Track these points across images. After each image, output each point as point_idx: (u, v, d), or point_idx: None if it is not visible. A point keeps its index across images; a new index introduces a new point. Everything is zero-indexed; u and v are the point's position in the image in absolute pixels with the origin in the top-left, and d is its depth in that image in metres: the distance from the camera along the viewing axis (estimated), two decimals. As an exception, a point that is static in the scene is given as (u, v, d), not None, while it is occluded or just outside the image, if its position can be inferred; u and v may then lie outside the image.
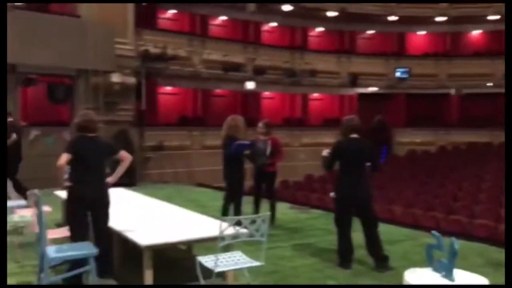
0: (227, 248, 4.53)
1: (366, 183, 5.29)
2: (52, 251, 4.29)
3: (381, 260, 5.19)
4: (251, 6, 17.49)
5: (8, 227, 5.76)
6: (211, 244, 4.07)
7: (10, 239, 6.04)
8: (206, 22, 18.83)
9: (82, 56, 12.27)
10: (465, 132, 19.52)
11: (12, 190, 6.01)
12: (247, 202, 7.88)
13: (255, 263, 4.12)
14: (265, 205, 7.81)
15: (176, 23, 18.40)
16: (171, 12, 18.13)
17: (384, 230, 7.38)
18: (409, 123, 20.95)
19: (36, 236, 4.66)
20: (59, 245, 4.59)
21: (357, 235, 5.40)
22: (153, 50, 14.59)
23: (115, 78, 13.04)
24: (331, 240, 5.98)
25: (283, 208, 9.17)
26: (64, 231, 5.04)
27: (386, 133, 20.28)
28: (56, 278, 4.53)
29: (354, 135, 5.29)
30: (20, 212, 6.04)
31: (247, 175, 7.28)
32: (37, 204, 4.34)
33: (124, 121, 13.44)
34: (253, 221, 3.97)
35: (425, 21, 20.99)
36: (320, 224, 7.79)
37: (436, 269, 3.06)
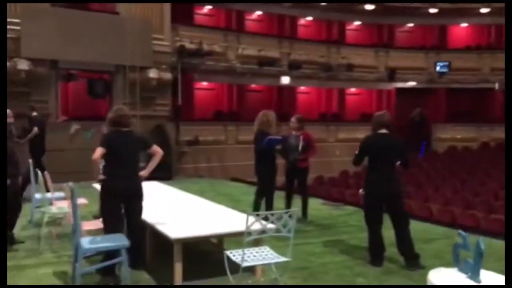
0: (256, 243, 4.55)
1: (395, 179, 5.18)
2: (86, 242, 4.42)
3: (411, 259, 5.09)
4: None
5: (46, 218, 6.00)
6: (242, 238, 4.09)
7: (48, 229, 6.32)
8: (242, 17, 18.87)
9: (121, 52, 12.56)
10: (510, 128, 18.74)
11: (51, 182, 6.22)
12: (279, 198, 7.89)
13: (282, 259, 4.12)
14: (297, 201, 7.79)
15: (212, 19, 18.54)
16: (208, 8, 18.26)
17: (420, 228, 7.27)
18: (449, 118, 20.36)
19: (72, 227, 4.82)
20: (93, 237, 4.73)
21: (389, 233, 5.31)
22: (189, 45, 14.75)
23: (152, 73, 13.29)
24: (363, 237, 5.89)
25: (316, 204, 9.13)
26: (98, 223, 5.18)
27: (426, 127, 19.81)
28: (90, 269, 4.67)
29: (383, 131, 5.19)
30: (58, 204, 6.25)
31: (279, 170, 7.28)
32: (71, 196, 4.47)
33: (160, 116, 13.70)
34: (280, 217, 3.96)
35: (468, 13, 20.27)
36: (353, 221, 7.70)
37: (461, 270, 2.96)
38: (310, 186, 13.91)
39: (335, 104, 20.49)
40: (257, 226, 3.94)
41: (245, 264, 3.89)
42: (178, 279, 4.48)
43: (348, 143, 16.91)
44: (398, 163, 5.24)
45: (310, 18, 20.35)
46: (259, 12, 19.29)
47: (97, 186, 6.34)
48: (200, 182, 12.43)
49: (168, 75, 13.80)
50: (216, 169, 15.08)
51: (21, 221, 7.01)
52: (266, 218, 4.24)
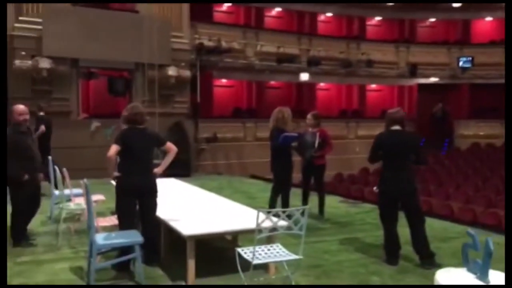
0: (269, 240, 4.54)
1: (408, 177, 5.09)
2: (100, 238, 4.48)
3: (426, 257, 5.00)
4: None
5: (64, 214, 6.10)
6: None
7: (66, 225, 6.43)
8: (261, 14, 18.83)
9: (140, 50, 12.67)
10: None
11: (68, 178, 6.31)
12: (296, 195, 7.86)
13: (294, 257, 4.10)
14: (314, 198, 7.75)
15: (231, 16, 18.55)
16: (227, 5, 18.28)
17: (439, 226, 7.16)
18: (472, 115, 19.96)
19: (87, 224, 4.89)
20: (107, 233, 4.79)
21: (405, 231, 5.23)
22: (207, 43, 14.79)
23: (171, 71, 13.38)
24: (379, 235, 5.81)
25: (333, 202, 9.06)
26: (114, 219, 5.24)
27: (448, 124, 19.47)
28: (105, 264, 4.74)
29: (396, 127, 5.11)
30: (76, 200, 6.35)
31: (295, 167, 7.25)
32: (86, 193, 4.53)
33: (179, 113, 13.78)
34: (291, 214, 3.94)
35: (492, 7, 19.79)
36: (370, 219, 7.61)
37: (470, 270, 2.89)
38: (329, 184, 13.87)
39: (356, 100, 20.31)
40: (268, 223, 3.92)
41: (256, 261, 3.88)
42: (191, 276, 4.50)
43: (368, 140, 16.51)
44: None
45: (330, 14, 20.18)
46: (278, 9, 19.22)
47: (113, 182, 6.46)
48: (218, 179, 12.48)
49: (187, 73, 13.87)
50: (234, 166, 15.11)
51: (40, 217, 7.16)
52: (277, 215, 4.23)
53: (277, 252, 4.16)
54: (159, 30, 12.94)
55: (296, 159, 7.31)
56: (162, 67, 13.24)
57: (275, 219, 3.97)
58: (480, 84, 19.86)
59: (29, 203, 5.71)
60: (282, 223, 4.01)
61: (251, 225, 4.44)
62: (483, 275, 2.77)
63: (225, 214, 5.32)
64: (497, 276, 2.88)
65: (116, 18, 12.87)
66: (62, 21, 11.78)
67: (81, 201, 6.22)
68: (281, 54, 16.60)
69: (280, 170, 6.99)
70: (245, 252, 4.06)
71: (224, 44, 15.22)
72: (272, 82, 18.73)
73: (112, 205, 7.20)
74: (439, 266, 4.87)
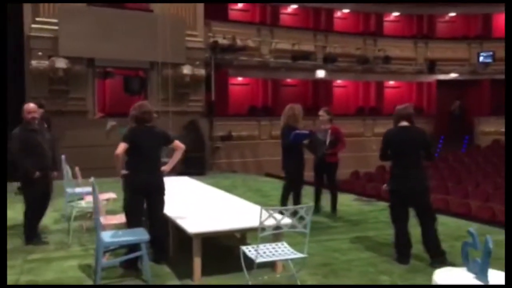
0: (276, 238, 4.50)
1: (419, 174, 4.98)
2: (107, 236, 4.50)
3: (436, 256, 4.88)
4: None
5: (74, 212, 6.16)
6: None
7: (78, 223, 6.49)
8: (277, 12, 18.74)
9: (155, 49, 12.73)
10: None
11: (80, 176, 6.38)
12: (308, 193, 7.80)
13: (299, 255, 4.04)
14: (326, 196, 7.67)
15: (246, 14, 18.51)
16: (241, 3, 18.25)
17: (455, 224, 7.01)
18: (493, 111, 19.51)
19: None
20: (115, 231, 4.81)
21: (417, 229, 5.12)
22: (222, 41, 14.78)
23: (186, 70, 13.41)
24: (392, 233, 5.70)
25: (347, 200, 8.96)
26: (122, 217, 5.25)
27: (467, 120, 19.09)
28: (112, 262, 4.77)
29: (404, 123, 5.01)
30: (88, 198, 6.40)
31: (307, 165, 7.18)
32: (93, 191, 4.55)
33: (194, 111, 13.82)
34: (295, 212, 3.89)
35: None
36: (383, 217, 7.46)
37: (470, 269, 2.79)
38: (345, 181, 13.75)
39: (373, 97, 20.06)
40: (271, 221, 3.87)
41: (259, 259, 3.84)
42: (197, 274, 4.49)
43: (385, 138, 16.48)
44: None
45: (347, 11, 19.98)
46: (294, 6, 19.10)
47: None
48: (233, 177, 12.47)
49: (201, 71, 13.89)
50: (249, 164, 15.09)
51: (54, 215, 7.27)
52: (282, 213, 4.18)
53: (282, 251, 4.11)
54: (173, 29, 12.98)
55: (308, 156, 7.24)
56: (176, 65, 13.28)
57: (279, 217, 3.91)
58: (501, 80, 19.31)
59: (40, 201, 5.78)
60: (286, 221, 3.96)
61: (257, 223, 4.42)
62: (482, 274, 2.67)
63: (233, 212, 5.29)
64: (497, 276, 2.77)
65: (131, 18, 12.96)
66: (78, 21, 11.91)
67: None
68: (296, 51, 16.50)
69: (291, 168, 6.94)
70: (250, 250, 4.02)
71: (238, 42, 15.20)
72: (288, 80, 18.63)
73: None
74: (451, 265, 4.75)
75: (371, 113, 19.11)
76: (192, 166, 12.50)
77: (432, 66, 19.03)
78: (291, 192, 7.01)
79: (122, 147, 4.83)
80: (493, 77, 19.50)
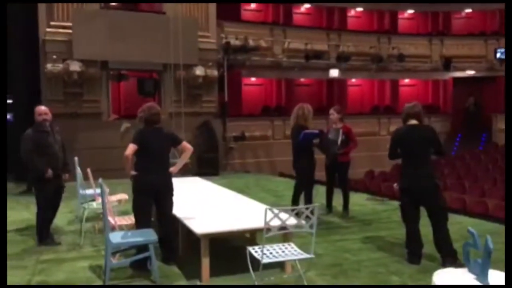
0: (286, 239, 4.47)
1: (429, 172, 4.91)
2: (115, 237, 4.53)
3: (447, 256, 4.80)
4: None
5: (86, 214, 6.22)
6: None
7: (91, 224, 6.56)
8: (290, 11, 18.70)
9: (167, 51, 12.76)
10: None
11: (92, 177, 6.42)
12: (320, 193, 7.75)
13: (306, 256, 4.01)
14: (339, 196, 7.62)
15: (259, 14, 18.51)
16: (254, 3, 18.25)
17: (471, 224, 6.88)
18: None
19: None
20: (124, 232, 4.85)
21: (429, 229, 5.05)
22: (234, 42, 14.78)
23: (198, 71, 13.44)
24: (405, 233, 5.65)
25: (360, 200, 8.90)
26: (132, 218, 5.29)
27: (484, 118, 18.77)
28: (121, 262, 4.81)
29: (413, 122, 4.94)
30: (100, 200, 6.44)
31: (319, 165, 7.14)
32: (101, 193, 4.59)
33: (207, 112, 13.85)
34: (301, 212, 3.86)
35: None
36: (396, 217, 7.33)
37: (471, 270, 2.73)
38: (360, 181, 13.63)
39: (388, 96, 19.87)
40: (276, 221, 3.84)
41: (265, 260, 3.83)
42: (205, 274, 4.49)
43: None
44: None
45: (360, 9, 19.84)
46: (307, 6, 19.03)
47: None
48: (246, 178, 12.47)
49: (214, 72, 13.91)
50: (263, 164, 15.07)
51: (68, 216, 7.36)
52: (297, 214, 4.17)
53: (289, 251, 4.09)
54: (186, 31, 13.00)
55: (320, 156, 7.20)
56: (189, 67, 13.32)
57: (284, 217, 3.88)
58: (520, 76, 19.01)
59: (51, 201, 5.86)
60: (292, 221, 3.93)
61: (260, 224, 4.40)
62: (482, 275, 2.60)
63: (241, 213, 5.28)
64: (498, 277, 2.70)
65: (143, 20, 13.04)
66: (91, 25, 12.04)
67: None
68: (309, 50, 16.41)
69: (302, 167, 6.91)
70: (256, 251, 4.01)
71: (251, 42, 15.18)
72: (302, 79, 18.56)
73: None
74: (462, 265, 4.67)
75: (386, 112, 18.92)
76: (206, 167, 12.55)
77: (447, 63, 18.75)
78: (302, 192, 6.97)
79: (131, 148, 4.88)
80: (511, 73, 19.11)
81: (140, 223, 4.90)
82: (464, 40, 19.56)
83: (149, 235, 4.57)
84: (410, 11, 20.55)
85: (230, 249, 5.46)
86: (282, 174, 13.03)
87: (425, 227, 5.11)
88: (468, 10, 20.51)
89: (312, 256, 3.99)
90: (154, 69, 13.62)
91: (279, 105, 17.82)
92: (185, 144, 5.15)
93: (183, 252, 5.30)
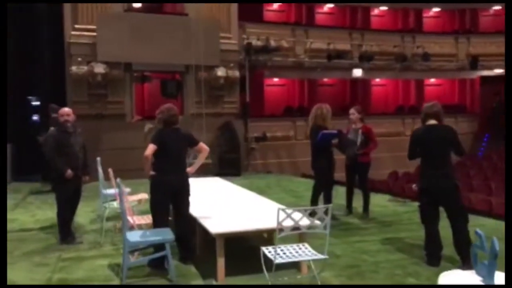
0: (302, 239, 4.46)
1: (448, 172, 4.83)
2: (133, 236, 4.60)
3: (467, 258, 4.69)
4: None
5: (106, 213, 6.34)
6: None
7: (112, 223, 6.67)
8: (312, 11, 18.61)
9: (190, 52, 12.89)
10: None
11: (113, 177, 6.54)
12: (339, 194, 7.71)
13: (319, 256, 3.99)
14: (359, 197, 7.54)
15: (282, 14, 18.49)
16: (277, 4, 18.24)
17: (494, 225, 6.73)
18: (542, 107, 18.60)
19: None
20: (142, 231, 4.92)
21: (449, 231, 4.96)
22: (255, 42, 14.81)
23: (220, 72, 13.52)
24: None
25: (382, 201, 8.80)
26: (150, 218, 5.36)
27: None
28: (138, 261, 4.88)
29: (432, 122, 4.86)
30: (120, 199, 6.55)
31: (339, 166, 7.09)
32: (119, 193, 4.67)
33: (229, 113, 13.92)
34: (314, 212, 3.85)
35: None
36: (417, 218, 7.24)
37: (478, 272, 2.66)
38: (383, 182, 13.45)
39: (413, 96, 19.57)
40: (289, 222, 3.84)
41: (278, 260, 3.83)
42: (220, 274, 4.52)
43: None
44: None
45: (384, 8, 19.60)
46: (330, 5, 18.92)
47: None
48: (267, 178, 12.47)
49: (235, 73, 13.97)
50: (285, 165, 15.05)
51: (90, 216, 7.51)
52: (312, 214, 4.15)
53: (303, 252, 4.07)
54: (208, 32, 13.11)
55: (340, 157, 7.15)
56: (211, 68, 13.41)
57: (297, 217, 3.87)
58: (550, 74, 18.46)
59: (70, 200, 6.00)
60: (305, 222, 3.92)
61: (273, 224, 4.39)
62: (489, 278, 2.54)
63: (258, 213, 5.28)
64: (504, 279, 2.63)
65: (166, 22, 13.19)
66: (115, 27, 12.24)
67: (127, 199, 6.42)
68: (331, 50, 16.32)
69: (320, 168, 6.88)
70: (270, 251, 4.01)
71: (272, 43, 15.18)
72: (325, 79, 18.45)
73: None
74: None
75: (410, 112, 18.64)
76: (227, 167, 12.60)
77: (474, 62, 18.35)
78: (321, 192, 6.94)
79: (151, 148, 4.95)
80: (541, 71, 18.58)
81: (157, 222, 4.96)
82: (492, 38, 19.07)
83: (165, 234, 4.63)
84: (436, 9, 20.20)
85: (248, 249, 5.46)
86: (304, 175, 12.97)
87: (446, 229, 5.02)
88: (497, 7, 20.01)
89: (325, 257, 3.96)
90: (177, 70, 13.77)
91: (302, 106, 17.75)
92: (202, 145, 5.21)
93: (200, 252, 5.34)
